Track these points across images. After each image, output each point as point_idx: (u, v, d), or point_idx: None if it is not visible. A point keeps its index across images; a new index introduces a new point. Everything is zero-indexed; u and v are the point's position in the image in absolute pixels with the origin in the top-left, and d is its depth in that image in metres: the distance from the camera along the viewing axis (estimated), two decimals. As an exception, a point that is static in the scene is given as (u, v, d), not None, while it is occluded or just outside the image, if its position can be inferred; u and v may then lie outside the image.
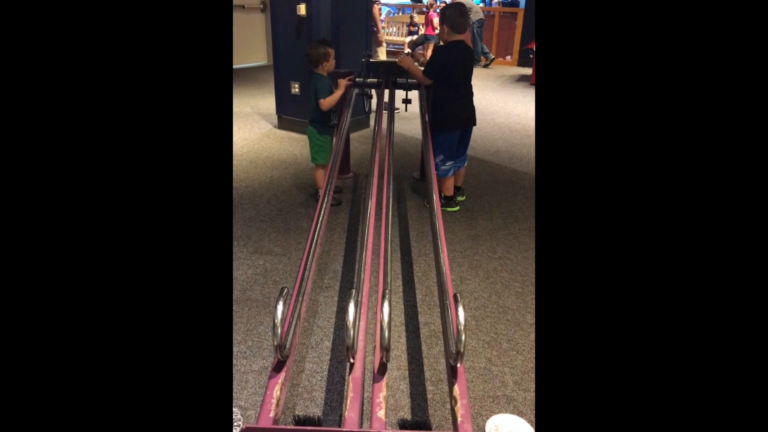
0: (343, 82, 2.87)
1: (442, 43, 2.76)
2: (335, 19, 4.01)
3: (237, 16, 7.56)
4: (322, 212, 1.63)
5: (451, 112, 2.78)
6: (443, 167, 2.85)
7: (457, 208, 3.00)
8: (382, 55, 6.35)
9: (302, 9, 3.94)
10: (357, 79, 3.06)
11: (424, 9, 8.96)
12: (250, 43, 7.99)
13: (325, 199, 1.73)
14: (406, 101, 3.23)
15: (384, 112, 2.88)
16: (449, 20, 2.64)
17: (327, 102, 2.81)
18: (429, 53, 8.78)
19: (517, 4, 9.05)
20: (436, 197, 1.84)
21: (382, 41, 7.27)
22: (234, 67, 7.68)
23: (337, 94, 2.83)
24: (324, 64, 2.81)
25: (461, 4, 2.73)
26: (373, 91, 3.25)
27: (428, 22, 8.77)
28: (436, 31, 8.85)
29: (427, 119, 2.83)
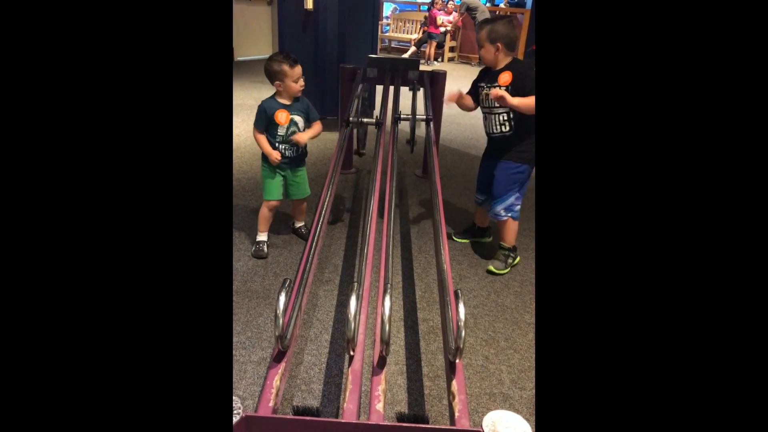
0: (273, 157, 2.22)
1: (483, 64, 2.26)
2: (342, 13, 4.01)
3: (243, 8, 7.55)
4: (324, 206, 1.64)
5: (534, 140, 2.21)
6: (518, 206, 2.29)
7: (518, 259, 2.43)
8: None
9: (309, 2, 3.95)
10: (351, 119, 2.50)
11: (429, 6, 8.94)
12: (256, 35, 7.98)
13: (328, 193, 1.74)
14: (412, 143, 2.62)
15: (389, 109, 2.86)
16: (504, 37, 2.09)
17: (255, 138, 2.27)
18: (430, 52, 8.77)
19: (523, 5, 9.02)
20: (439, 198, 1.84)
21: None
22: (239, 59, 7.67)
23: (263, 149, 2.24)
24: (278, 83, 2.16)
25: (512, 19, 2.27)
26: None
27: (431, 21, 8.75)
28: (441, 30, 8.85)
29: (520, 156, 2.21)
